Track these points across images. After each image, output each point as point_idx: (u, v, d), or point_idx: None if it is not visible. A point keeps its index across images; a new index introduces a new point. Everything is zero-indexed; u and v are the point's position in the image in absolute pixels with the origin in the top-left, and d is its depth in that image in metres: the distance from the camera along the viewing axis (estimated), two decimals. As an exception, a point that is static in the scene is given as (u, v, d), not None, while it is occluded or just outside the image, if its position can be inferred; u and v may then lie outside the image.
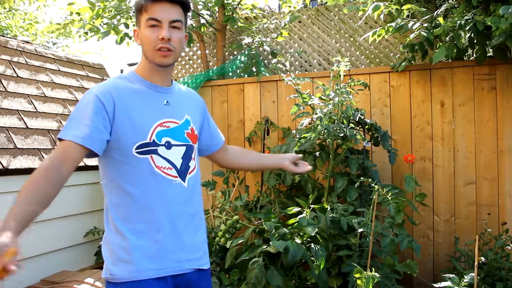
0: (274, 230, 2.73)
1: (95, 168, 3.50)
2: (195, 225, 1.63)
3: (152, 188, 1.51)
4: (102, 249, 1.60)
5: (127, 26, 4.69)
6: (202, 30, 4.65)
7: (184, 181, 1.58)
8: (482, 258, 2.87)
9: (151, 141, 1.51)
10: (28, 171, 2.97)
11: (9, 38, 3.95)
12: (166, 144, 1.54)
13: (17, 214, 1.16)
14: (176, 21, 1.54)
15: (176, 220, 1.55)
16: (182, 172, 1.58)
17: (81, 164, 3.40)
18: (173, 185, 1.54)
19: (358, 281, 2.25)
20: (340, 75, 3.30)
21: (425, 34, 3.22)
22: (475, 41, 3.33)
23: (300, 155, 2.02)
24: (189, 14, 1.66)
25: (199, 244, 1.66)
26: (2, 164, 2.82)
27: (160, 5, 1.52)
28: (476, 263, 2.19)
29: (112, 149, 1.50)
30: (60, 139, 1.42)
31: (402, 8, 3.56)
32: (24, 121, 3.24)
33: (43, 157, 3.15)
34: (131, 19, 4.67)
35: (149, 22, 1.52)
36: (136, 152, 1.50)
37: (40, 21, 11.30)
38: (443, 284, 2.45)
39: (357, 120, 3.24)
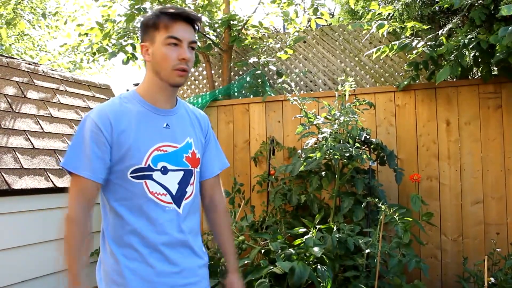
0: (280, 251, 2.71)
1: (100, 188, 3.49)
2: (190, 251, 1.59)
3: (145, 214, 1.48)
4: (97, 270, 1.59)
5: (134, 47, 4.75)
6: (208, 51, 4.69)
7: (179, 207, 1.54)
8: (492, 279, 2.82)
9: (147, 166, 1.48)
10: (34, 191, 2.97)
11: (20, 60, 4.00)
12: (162, 169, 1.50)
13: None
14: (194, 42, 1.52)
15: (169, 247, 1.52)
16: (178, 198, 1.54)
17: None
18: (166, 211, 1.51)
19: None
20: (345, 95, 3.31)
21: (428, 51, 3.24)
22: (479, 60, 3.34)
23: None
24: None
25: (196, 269, 1.61)
26: (8, 184, 2.83)
27: (180, 24, 1.49)
28: (485, 284, 2.16)
29: (109, 172, 1.49)
30: (70, 172, 1.47)
31: (406, 25, 3.59)
32: (30, 141, 3.26)
33: (49, 177, 3.15)
34: (138, 39, 4.73)
35: (169, 40, 1.47)
36: (131, 177, 1.47)
37: (50, 49, 11.46)
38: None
39: (362, 139, 3.24)
